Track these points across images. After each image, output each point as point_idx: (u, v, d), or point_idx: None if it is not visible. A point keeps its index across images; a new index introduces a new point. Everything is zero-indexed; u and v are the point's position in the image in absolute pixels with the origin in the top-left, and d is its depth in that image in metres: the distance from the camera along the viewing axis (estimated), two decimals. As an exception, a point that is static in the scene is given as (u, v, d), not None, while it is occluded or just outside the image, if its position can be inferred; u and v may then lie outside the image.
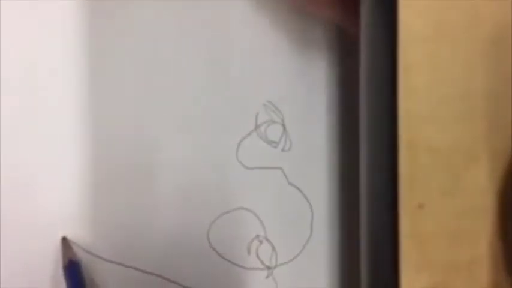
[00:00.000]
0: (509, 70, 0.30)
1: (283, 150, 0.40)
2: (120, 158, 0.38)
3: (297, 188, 0.40)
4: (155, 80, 0.39)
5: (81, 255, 0.37)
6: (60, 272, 0.36)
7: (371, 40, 0.31)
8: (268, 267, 0.40)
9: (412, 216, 0.30)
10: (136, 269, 0.38)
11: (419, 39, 0.30)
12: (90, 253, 0.37)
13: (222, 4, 0.39)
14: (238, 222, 0.40)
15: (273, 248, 0.40)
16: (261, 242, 0.40)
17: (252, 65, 0.40)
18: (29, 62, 0.37)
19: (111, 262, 0.38)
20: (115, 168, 0.38)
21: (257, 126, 0.40)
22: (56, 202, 0.37)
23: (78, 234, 0.37)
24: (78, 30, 0.38)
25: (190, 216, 0.39)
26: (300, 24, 0.40)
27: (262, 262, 0.40)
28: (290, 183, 0.40)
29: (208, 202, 0.39)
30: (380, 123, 0.31)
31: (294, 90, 0.40)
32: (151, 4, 0.39)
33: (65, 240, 0.36)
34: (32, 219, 0.37)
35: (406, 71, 0.30)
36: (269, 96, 0.40)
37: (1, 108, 0.37)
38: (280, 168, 0.40)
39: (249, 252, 0.40)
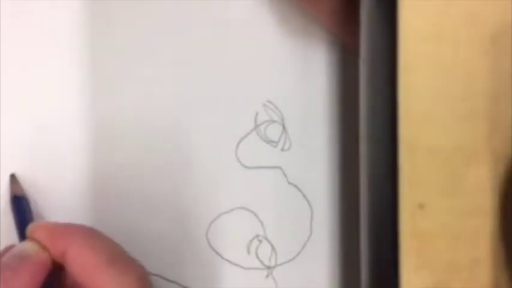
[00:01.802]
0: (509, 69, 0.30)
1: (282, 149, 0.40)
2: (119, 157, 0.38)
3: (297, 187, 0.40)
4: (155, 79, 0.39)
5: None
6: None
7: (371, 39, 0.31)
8: (268, 267, 0.40)
9: (412, 216, 0.30)
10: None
11: (419, 39, 0.30)
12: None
13: (222, 3, 0.39)
14: (237, 222, 0.39)
15: (273, 248, 0.40)
16: (260, 241, 0.40)
17: (251, 65, 0.40)
18: (29, 61, 0.37)
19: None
20: (112, 166, 0.38)
21: (256, 126, 0.40)
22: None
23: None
24: (78, 31, 0.38)
25: (190, 216, 0.39)
26: (301, 24, 0.40)
27: (261, 262, 0.40)
28: (290, 183, 0.40)
29: (208, 202, 0.39)
30: (380, 123, 0.31)
31: (293, 89, 0.40)
32: (152, 3, 0.39)
33: (13, 177, 0.37)
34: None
35: (406, 71, 0.30)
36: (269, 96, 0.40)
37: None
38: (280, 168, 0.40)
39: (248, 252, 0.40)
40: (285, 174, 0.40)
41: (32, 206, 0.37)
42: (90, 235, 0.34)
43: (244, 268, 0.39)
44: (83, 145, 0.38)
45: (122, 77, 0.38)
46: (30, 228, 0.35)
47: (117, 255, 0.34)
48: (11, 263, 0.33)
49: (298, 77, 0.40)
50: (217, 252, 0.39)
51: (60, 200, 0.38)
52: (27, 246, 0.34)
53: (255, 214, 0.40)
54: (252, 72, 0.40)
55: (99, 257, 0.33)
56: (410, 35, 0.30)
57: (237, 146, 0.40)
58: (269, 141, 0.40)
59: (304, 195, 0.40)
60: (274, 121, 0.40)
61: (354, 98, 0.34)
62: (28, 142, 0.38)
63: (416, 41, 0.30)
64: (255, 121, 0.40)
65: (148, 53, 0.39)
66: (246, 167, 0.40)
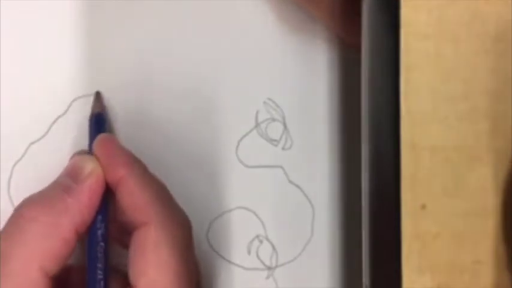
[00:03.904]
0: (511, 68, 0.30)
1: (283, 148, 0.40)
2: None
3: (298, 186, 0.40)
4: (155, 77, 0.39)
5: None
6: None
7: (373, 38, 0.31)
8: (269, 268, 0.40)
9: (414, 216, 0.30)
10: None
11: (421, 38, 0.30)
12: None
13: (222, 2, 0.39)
14: (238, 222, 0.39)
15: (274, 248, 0.40)
16: (261, 241, 0.39)
17: (252, 62, 0.39)
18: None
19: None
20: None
21: (257, 124, 0.40)
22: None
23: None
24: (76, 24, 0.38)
25: (189, 215, 0.38)
26: (301, 22, 0.40)
27: (262, 262, 0.39)
28: (291, 182, 0.40)
29: (208, 201, 0.39)
30: (382, 123, 0.31)
31: (295, 87, 0.40)
32: (152, 2, 0.38)
33: (98, 94, 0.38)
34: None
35: (408, 70, 0.30)
36: (270, 94, 0.40)
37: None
38: (281, 167, 0.40)
39: (249, 252, 0.39)
40: (286, 174, 0.40)
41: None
42: (147, 171, 0.35)
43: (244, 268, 0.39)
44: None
45: (120, 76, 0.38)
46: (98, 141, 0.35)
47: (168, 197, 0.35)
48: (71, 185, 0.34)
49: (299, 75, 0.40)
50: (217, 253, 0.39)
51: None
52: (87, 164, 0.34)
53: (256, 214, 0.39)
54: (253, 70, 0.39)
55: (152, 193, 0.34)
56: (411, 34, 0.29)
57: (238, 144, 0.40)
58: (270, 140, 0.40)
59: (305, 195, 0.40)
60: (275, 119, 0.40)
61: (356, 97, 0.33)
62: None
63: (417, 40, 0.29)
64: (256, 119, 0.40)
65: (147, 50, 0.39)
66: (246, 166, 0.40)
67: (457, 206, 0.30)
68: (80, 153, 0.36)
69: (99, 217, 0.34)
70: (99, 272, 0.33)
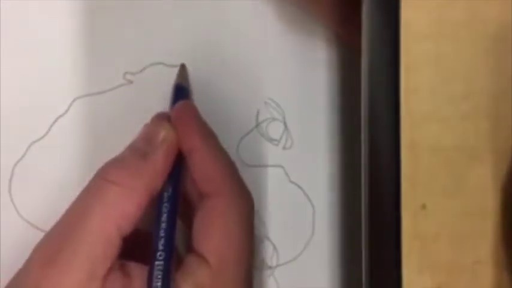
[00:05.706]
0: (511, 68, 0.30)
1: (284, 148, 0.40)
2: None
3: (299, 186, 0.40)
4: (153, 78, 0.39)
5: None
6: None
7: (373, 38, 0.31)
8: (270, 267, 0.40)
9: (414, 216, 0.30)
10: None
11: (421, 38, 0.29)
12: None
13: (222, 2, 0.39)
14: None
15: (274, 248, 0.40)
16: (262, 241, 0.39)
17: (253, 62, 0.39)
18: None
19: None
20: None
21: (258, 124, 0.40)
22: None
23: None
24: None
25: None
26: (302, 22, 0.40)
27: (263, 262, 0.39)
28: (291, 182, 0.40)
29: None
30: (382, 123, 0.31)
31: (295, 87, 0.40)
32: (152, 1, 0.38)
33: (183, 67, 0.39)
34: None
35: (408, 70, 0.30)
36: (270, 94, 0.40)
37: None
38: (281, 166, 0.40)
39: (249, 251, 0.39)
40: (286, 173, 0.40)
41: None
42: (219, 144, 0.36)
43: (245, 268, 0.39)
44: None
45: (120, 75, 0.38)
46: (177, 108, 0.36)
47: (237, 172, 0.36)
48: (147, 150, 0.34)
49: (299, 75, 0.40)
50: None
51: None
52: (162, 130, 0.35)
53: (257, 213, 0.39)
54: (254, 69, 0.39)
55: (223, 166, 0.35)
56: (411, 34, 0.29)
57: (238, 144, 0.39)
58: (270, 140, 0.40)
59: (306, 195, 0.40)
60: (275, 119, 0.40)
61: (356, 97, 0.33)
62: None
63: (417, 40, 0.29)
64: (257, 119, 0.40)
65: (146, 53, 0.39)
66: (247, 165, 0.40)
67: (457, 206, 0.30)
68: (157, 117, 0.37)
69: (168, 180, 0.35)
70: (162, 231, 0.34)
